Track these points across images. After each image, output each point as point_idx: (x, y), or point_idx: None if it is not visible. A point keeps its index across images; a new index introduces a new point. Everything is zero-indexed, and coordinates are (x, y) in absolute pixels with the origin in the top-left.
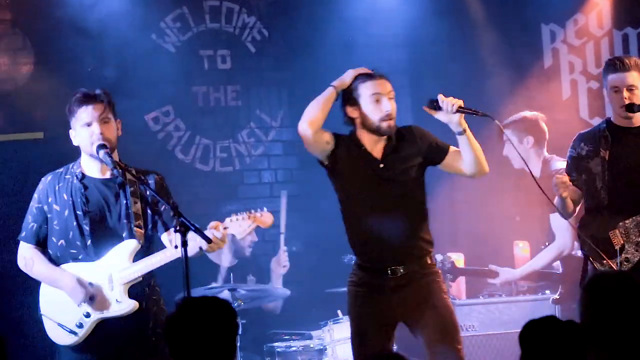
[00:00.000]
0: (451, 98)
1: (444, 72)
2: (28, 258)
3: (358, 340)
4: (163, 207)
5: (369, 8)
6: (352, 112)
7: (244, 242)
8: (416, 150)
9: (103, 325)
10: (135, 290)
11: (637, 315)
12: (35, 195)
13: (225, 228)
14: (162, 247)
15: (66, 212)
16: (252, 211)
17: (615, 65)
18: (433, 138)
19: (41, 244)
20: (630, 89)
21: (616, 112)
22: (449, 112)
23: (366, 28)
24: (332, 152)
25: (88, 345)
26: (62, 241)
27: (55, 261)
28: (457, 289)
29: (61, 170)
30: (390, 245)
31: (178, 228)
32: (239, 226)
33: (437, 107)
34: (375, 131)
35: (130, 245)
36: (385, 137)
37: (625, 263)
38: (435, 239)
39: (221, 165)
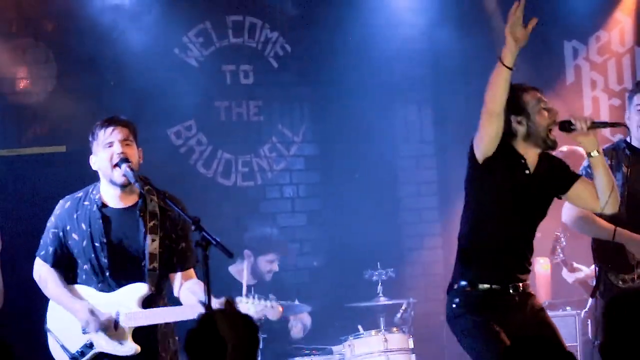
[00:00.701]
0: (582, 115)
1: (465, 87)
2: (42, 277)
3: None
4: (181, 245)
5: (390, 23)
6: (518, 123)
7: (264, 268)
8: (557, 171)
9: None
10: (143, 332)
11: None
12: (52, 219)
13: (239, 302)
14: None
15: (84, 243)
16: (264, 299)
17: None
18: (566, 165)
19: (57, 266)
20: None
21: (633, 132)
22: (583, 130)
23: (388, 43)
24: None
25: None
26: (86, 266)
27: (79, 282)
28: None
29: (80, 195)
30: (520, 259)
31: (200, 242)
32: (247, 309)
33: (571, 128)
34: (542, 143)
35: (141, 290)
36: (537, 155)
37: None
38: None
39: (243, 180)
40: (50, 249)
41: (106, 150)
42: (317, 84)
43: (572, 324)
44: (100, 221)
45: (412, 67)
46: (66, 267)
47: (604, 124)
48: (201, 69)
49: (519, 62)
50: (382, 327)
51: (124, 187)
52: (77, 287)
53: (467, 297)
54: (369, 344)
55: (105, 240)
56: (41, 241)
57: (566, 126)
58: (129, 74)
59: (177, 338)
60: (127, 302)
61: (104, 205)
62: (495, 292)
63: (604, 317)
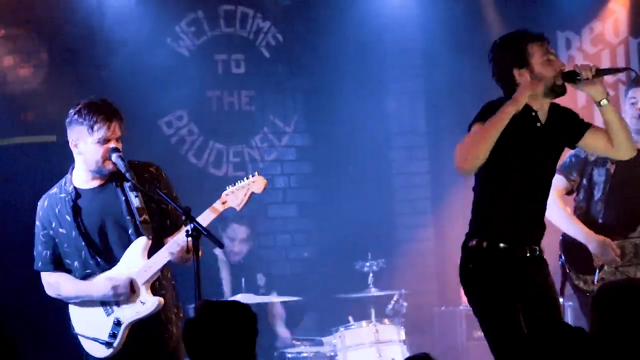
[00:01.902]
0: (586, 64)
1: (457, 78)
2: (53, 283)
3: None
4: (170, 205)
5: (384, 13)
6: (520, 75)
7: (240, 234)
8: (567, 121)
9: (132, 333)
10: (154, 286)
11: None
12: (38, 223)
13: (224, 203)
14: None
15: (73, 233)
16: (246, 178)
17: (637, 79)
18: (576, 114)
19: (60, 266)
20: None
21: (631, 123)
22: (589, 78)
23: (381, 33)
24: None
25: (120, 355)
26: (76, 263)
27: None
28: None
29: (55, 190)
30: (536, 217)
31: (190, 232)
32: (236, 198)
33: (576, 79)
34: (549, 92)
35: (141, 243)
36: (546, 106)
37: (600, 282)
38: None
39: (234, 170)
40: (47, 254)
41: (101, 145)
42: (309, 75)
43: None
44: (78, 210)
45: (404, 58)
46: (65, 270)
47: (609, 70)
48: (193, 59)
49: None
50: (373, 318)
51: (102, 174)
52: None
53: (484, 256)
54: (360, 334)
55: (91, 225)
56: (34, 253)
57: (572, 77)
58: (120, 64)
59: (182, 313)
60: (133, 262)
61: (77, 195)
62: (512, 252)
63: (594, 309)
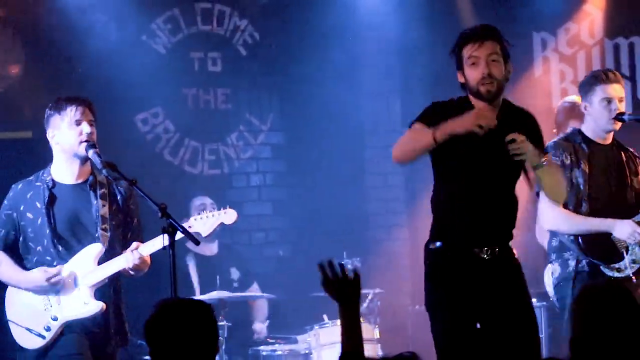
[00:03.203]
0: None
1: (434, 78)
2: None
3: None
4: (135, 220)
5: (361, 13)
6: (459, 77)
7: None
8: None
9: (68, 329)
10: (100, 292)
11: (629, 327)
12: (6, 202)
13: (189, 227)
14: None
15: (39, 220)
16: (215, 209)
17: (608, 76)
18: (540, 137)
19: (9, 249)
20: (621, 100)
21: (603, 124)
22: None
23: (358, 33)
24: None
25: (54, 348)
26: (39, 247)
27: (36, 266)
28: None
29: (31, 178)
30: (494, 220)
31: (166, 229)
32: (204, 224)
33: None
34: (475, 95)
35: (95, 249)
36: (494, 105)
37: (633, 265)
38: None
39: (210, 167)
40: (2, 232)
41: (74, 128)
42: (285, 73)
43: (537, 316)
44: (52, 199)
45: (380, 57)
46: (16, 254)
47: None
48: (169, 56)
49: None
50: None
51: (85, 160)
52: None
53: (439, 258)
54: (335, 333)
55: (59, 217)
56: None
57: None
58: (96, 60)
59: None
60: (83, 264)
61: (54, 185)
62: (468, 254)
63: (575, 311)
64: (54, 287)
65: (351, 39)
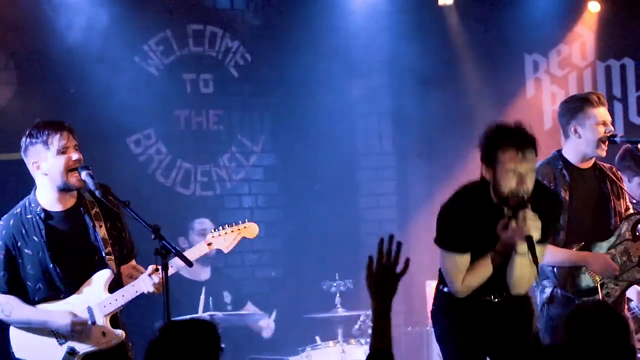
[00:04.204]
0: (528, 224)
1: (426, 98)
2: (4, 303)
3: None
4: (127, 235)
5: (352, 33)
6: (486, 172)
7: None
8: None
9: None
10: (113, 321)
11: (618, 345)
12: (0, 242)
13: (209, 244)
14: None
15: (40, 254)
16: (234, 223)
17: (600, 99)
18: (553, 218)
19: (14, 290)
20: (610, 123)
21: (593, 148)
22: (516, 236)
23: (349, 55)
24: None
25: None
26: (39, 285)
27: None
28: None
29: (18, 210)
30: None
31: (159, 251)
32: (224, 240)
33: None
34: (500, 200)
35: (104, 276)
36: None
37: (606, 298)
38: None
39: (202, 189)
40: (5, 275)
41: (60, 156)
42: (277, 94)
43: None
44: (48, 230)
45: (372, 78)
46: (23, 294)
47: (532, 253)
48: (161, 78)
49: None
50: (340, 338)
51: (70, 190)
52: (40, 305)
53: (448, 300)
54: (327, 354)
55: (59, 248)
56: None
57: (515, 213)
58: (88, 82)
59: (131, 345)
60: (94, 293)
61: (47, 216)
62: (477, 301)
63: (565, 330)
64: (76, 331)
65: (343, 61)
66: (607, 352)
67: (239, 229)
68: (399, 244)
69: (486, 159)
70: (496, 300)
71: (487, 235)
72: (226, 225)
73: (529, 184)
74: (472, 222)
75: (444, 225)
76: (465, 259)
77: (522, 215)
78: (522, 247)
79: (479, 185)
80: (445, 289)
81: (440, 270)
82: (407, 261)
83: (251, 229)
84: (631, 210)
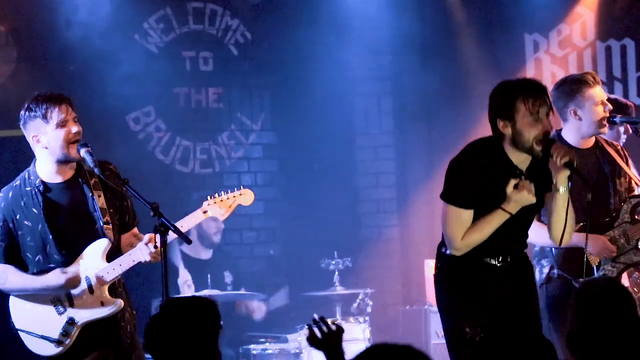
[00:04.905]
0: (563, 151)
1: (425, 79)
2: (0, 271)
3: None
4: (129, 202)
5: (353, 14)
6: (503, 126)
7: (210, 230)
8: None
9: (83, 332)
10: (110, 290)
11: (626, 322)
12: None
13: (205, 212)
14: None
15: (39, 226)
16: (229, 190)
17: (595, 79)
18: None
19: (11, 260)
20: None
21: (595, 127)
22: (557, 163)
23: (350, 33)
24: None
25: (70, 353)
26: (39, 257)
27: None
28: (434, 296)
29: (18, 182)
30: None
31: (158, 228)
32: (220, 208)
33: (548, 151)
34: (528, 151)
35: (101, 245)
36: (529, 157)
37: None
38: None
39: (201, 167)
40: (3, 245)
41: (60, 130)
42: (276, 73)
43: None
44: (46, 203)
45: (372, 58)
46: (21, 265)
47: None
48: (161, 55)
49: (479, 54)
50: (339, 316)
51: (70, 162)
52: (38, 275)
53: (450, 264)
54: None
55: (58, 219)
56: None
57: (547, 146)
58: (88, 59)
59: (134, 312)
60: (92, 263)
61: (45, 188)
62: (481, 263)
63: (573, 306)
64: (70, 289)
65: (343, 38)
66: (616, 326)
67: (234, 196)
68: (322, 318)
69: (503, 114)
70: (499, 264)
71: (495, 193)
72: (222, 193)
73: (550, 124)
74: (481, 177)
75: (452, 179)
76: (468, 214)
77: (555, 148)
78: (563, 175)
79: (491, 142)
80: (443, 249)
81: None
82: (340, 327)
83: (247, 196)
84: (637, 192)
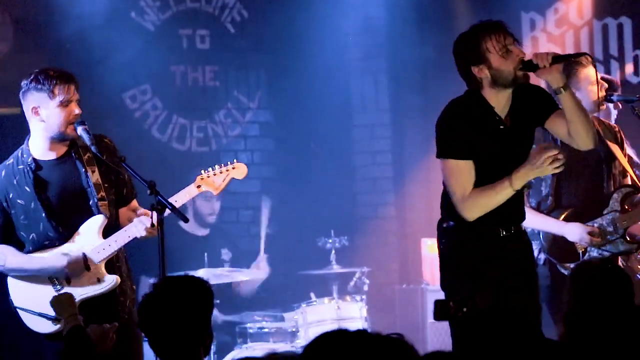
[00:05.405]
0: (543, 52)
1: (421, 56)
2: None
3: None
4: (126, 175)
5: None
6: (479, 72)
7: (204, 210)
8: (535, 101)
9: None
10: (108, 265)
11: (622, 302)
12: None
13: (198, 187)
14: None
15: (32, 205)
16: (223, 164)
17: (588, 59)
18: (546, 93)
19: (7, 239)
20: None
21: (590, 107)
22: (546, 66)
23: (347, 11)
24: None
25: None
26: (32, 235)
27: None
28: (431, 274)
29: (11, 161)
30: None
31: (155, 206)
32: (213, 182)
33: (533, 67)
34: (512, 83)
35: (97, 221)
36: (509, 96)
37: None
38: (413, 226)
39: (197, 145)
40: None
41: (63, 109)
42: (273, 51)
43: None
44: (38, 181)
45: (368, 36)
46: (16, 244)
47: (565, 57)
48: (157, 33)
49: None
50: (335, 295)
51: (64, 140)
52: (35, 254)
53: (454, 237)
54: (322, 311)
55: (51, 197)
56: None
57: (531, 66)
58: (85, 37)
59: (134, 287)
60: (88, 239)
61: (37, 166)
62: (484, 234)
63: (570, 287)
64: (72, 272)
65: (339, 18)
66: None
67: (227, 170)
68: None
69: (475, 60)
70: (504, 234)
71: (482, 144)
72: (215, 167)
73: (520, 50)
74: (467, 127)
75: (442, 135)
76: (468, 165)
77: (535, 56)
78: (557, 72)
79: (469, 95)
80: (445, 224)
81: (442, 207)
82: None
83: (240, 170)
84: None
